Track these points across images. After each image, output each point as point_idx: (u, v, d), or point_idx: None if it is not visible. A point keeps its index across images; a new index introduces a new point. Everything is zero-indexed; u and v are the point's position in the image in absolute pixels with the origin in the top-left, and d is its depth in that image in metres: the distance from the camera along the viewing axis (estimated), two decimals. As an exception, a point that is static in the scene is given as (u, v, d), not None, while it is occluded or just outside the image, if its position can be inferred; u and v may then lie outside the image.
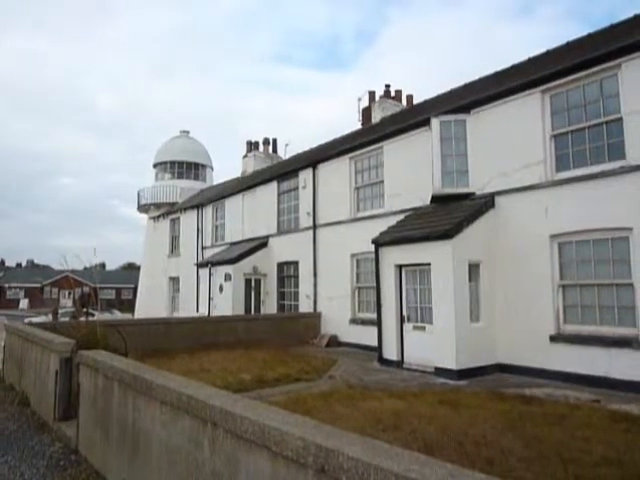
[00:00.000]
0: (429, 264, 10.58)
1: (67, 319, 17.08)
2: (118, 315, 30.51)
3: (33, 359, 7.69)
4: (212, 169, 33.70)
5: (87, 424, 5.30)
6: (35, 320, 21.39)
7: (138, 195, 30.65)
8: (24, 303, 62.95)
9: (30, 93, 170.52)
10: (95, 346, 6.66)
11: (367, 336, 13.36)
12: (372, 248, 12.12)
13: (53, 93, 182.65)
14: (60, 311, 27.16)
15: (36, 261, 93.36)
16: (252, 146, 26.36)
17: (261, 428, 2.63)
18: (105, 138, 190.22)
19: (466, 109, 11.82)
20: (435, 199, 12.10)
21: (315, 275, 16.29)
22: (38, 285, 65.77)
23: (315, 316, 15.94)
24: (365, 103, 19.97)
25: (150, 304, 27.67)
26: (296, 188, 17.89)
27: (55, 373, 6.19)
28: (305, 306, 16.65)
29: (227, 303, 17.87)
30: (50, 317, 23.96)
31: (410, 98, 19.80)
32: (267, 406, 3.11)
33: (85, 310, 14.00)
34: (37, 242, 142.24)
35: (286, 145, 29.72)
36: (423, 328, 10.84)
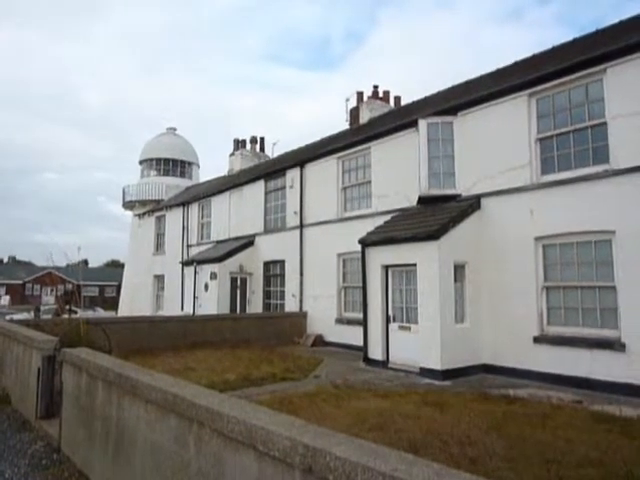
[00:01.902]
0: (415, 265, 10.62)
1: (49, 316, 16.85)
2: (101, 313, 30.22)
3: (14, 356, 7.56)
4: (198, 167, 33.50)
5: (70, 423, 5.23)
6: (16, 317, 21.08)
7: (123, 192, 30.36)
8: (5, 300, 61.86)
9: (14, 86, 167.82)
10: (78, 344, 6.56)
11: (353, 336, 13.38)
12: (359, 248, 12.15)
13: (39, 87, 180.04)
14: (42, 308, 26.79)
15: (18, 257, 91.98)
16: (239, 144, 26.23)
17: (248, 428, 2.62)
18: (92, 135, 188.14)
19: (453, 111, 11.89)
20: (422, 200, 12.15)
21: (301, 274, 16.27)
22: (20, 282, 64.82)
23: (301, 315, 15.93)
24: (353, 103, 19.95)
25: (134, 302, 27.41)
26: (283, 187, 17.85)
27: (37, 371, 6.10)
28: (291, 305, 16.63)
29: (212, 302, 17.77)
30: (32, 314, 23.61)
31: (398, 99, 19.86)
32: (254, 405, 3.10)
33: (68, 307, 13.82)
34: (20, 238, 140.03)
35: (274, 144, 29.64)
36: (408, 328, 10.88)
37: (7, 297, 62.46)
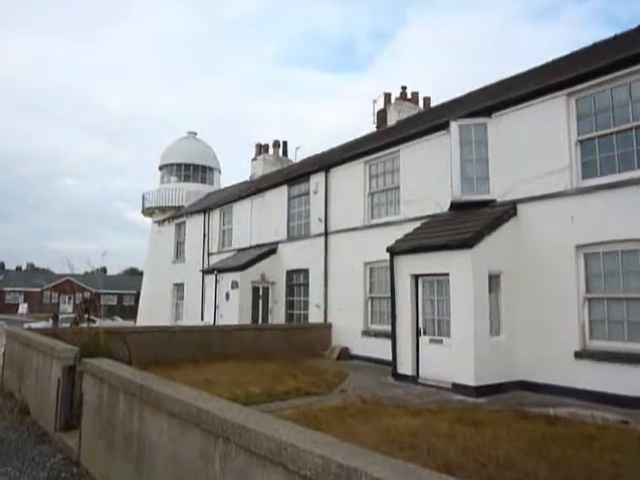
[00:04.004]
0: (447, 274, 10.51)
1: (67, 325, 17.19)
2: (120, 322, 30.70)
3: (34, 366, 7.72)
4: (220, 172, 33.88)
5: (90, 435, 5.29)
6: (34, 326, 21.57)
7: (143, 198, 30.89)
8: (23, 308, 63.44)
9: (34, 92, 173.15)
10: (97, 354, 6.68)
11: (380, 349, 13.28)
12: (387, 256, 12.08)
13: (58, 93, 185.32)
14: (60, 317, 27.35)
15: (36, 264, 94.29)
16: (261, 149, 26.49)
17: (277, 444, 2.60)
18: (112, 140, 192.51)
19: (487, 112, 11.77)
20: (454, 206, 12.04)
21: (326, 284, 16.26)
22: (38, 289, 66.36)
23: (325, 327, 15.89)
24: (380, 105, 20.02)
25: (153, 311, 27.78)
26: (307, 193, 17.91)
27: (57, 381, 6.21)
28: (315, 316, 16.61)
29: (233, 312, 17.88)
30: (50, 323, 24.14)
31: (427, 100, 19.82)
32: (282, 421, 3.08)
33: (87, 316, 14.08)
34: (37, 245, 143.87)
35: (297, 148, 29.86)
36: (440, 341, 10.76)
37: (25, 305, 64.05)
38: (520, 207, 10.92)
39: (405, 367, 11.27)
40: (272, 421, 3.01)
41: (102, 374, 5.01)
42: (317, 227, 16.97)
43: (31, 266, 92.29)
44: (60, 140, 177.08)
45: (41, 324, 25.12)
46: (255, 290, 18.35)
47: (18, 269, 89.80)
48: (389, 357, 11.85)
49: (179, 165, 31.71)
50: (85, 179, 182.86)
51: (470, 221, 11.09)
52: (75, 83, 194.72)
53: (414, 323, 11.29)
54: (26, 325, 23.54)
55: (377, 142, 15.60)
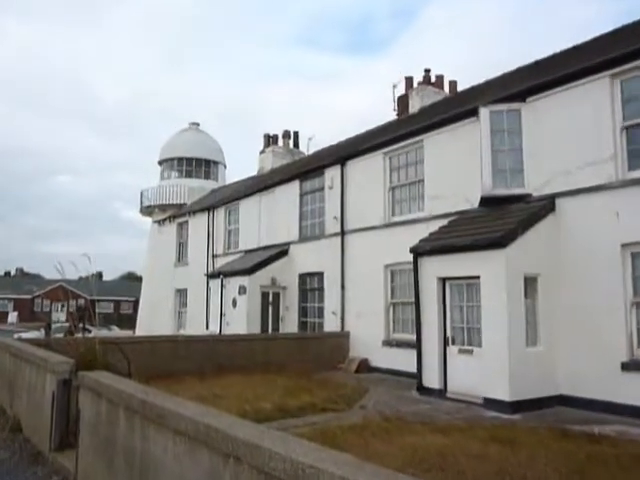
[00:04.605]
0: (478, 277, 10.47)
1: (61, 335, 17.40)
2: (117, 332, 30.98)
3: (26, 380, 7.83)
4: (225, 167, 34.07)
5: (88, 455, 5.36)
6: (25, 336, 21.88)
7: (141, 196, 31.18)
8: (13, 316, 64.37)
9: (21, 81, 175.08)
10: (95, 366, 6.75)
11: (404, 360, 13.24)
12: (410, 258, 12.05)
13: (48, 82, 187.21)
14: (53, 326, 27.70)
15: (26, 269, 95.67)
16: (270, 140, 26.60)
17: (294, 465, 2.61)
18: (108, 133, 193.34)
19: (521, 97, 11.70)
20: (484, 201, 11.98)
21: (343, 288, 16.26)
22: (28, 296, 67.28)
23: (342, 336, 15.90)
24: (401, 90, 19.98)
25: (153, 320, 28.02)
26: (321, 188, 17.93)
27: (52, 396, 6.30)
28: (331, 324, 16.63)
29: (241, 320, 17.96)
30: (42, 332, 24.46)
31: (453, 85, 19.73)
32: (299, 440, 3.10)
33: (82, 325, 14.23)
34: (28, 248, 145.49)
35: (309, 139, 29.78)
36: (470, 352, 10.72)
37: (15, 314, 65.00)
38: (559, 202, 10.82)
39: (431, 380, 11.23)
40: (288, 439, 3.03)
41: (100, 388, 5.07)
42: (332, 226, 16.98)
43: (21, 271, 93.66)
44: (51, 133, 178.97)
45: (32, 334, 25.50)
46: (264, 296, 18.42)
47: (7, 274, 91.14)
48: (413, 369, 11.83)
49: (180, 159, 31.93)
50: (79, 176, 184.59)
51: (503, 218, 11.04)
52: (66, 71, 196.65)
53: (441, 332, 11.25)
54: (16, 335, 23.86)
55: (398, 131, 15.57)
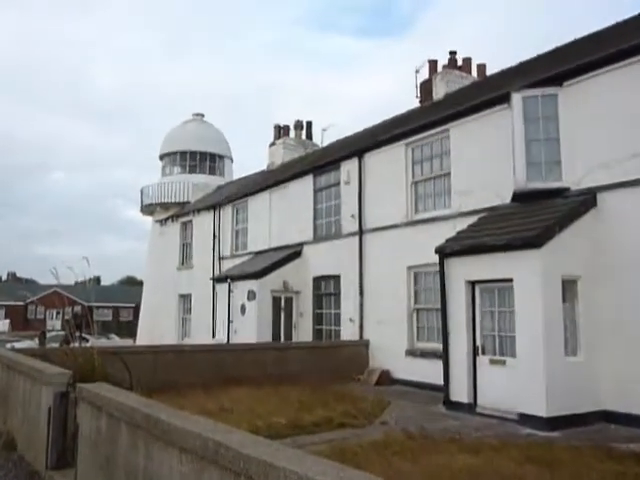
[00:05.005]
0: (511, 280, 10.40)
1: (56, 345, 17.59)
2: (116, 341, 31.22)
3: (21, 393, 7.93)
4: (232, 161, 34.25)
5: (87, 475, 5.41)
6: (19, 346, 22.15)
7: (141, 193, 31.46)
8: (4, 324, 65.06)
9: (14, 71, 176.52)
10: (93, 378, 6.81)
11: (429, 372, 13.20)
12: (435, 259, 12.01)
13: (39, 69, 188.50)
14: (47, 335, 27.99)
15: (19, 273, 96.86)
16: (281, 132, 26.66)
17: (312, 486, 2.61)
18: (105, 126, 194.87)
19: (558, 81, 11.61)
20: (518, 197, 11.92)
21: (361, 293, 16.25)
22: (22, 303, 68.03)
23: (361, 345, 15.88)
24: (424, 75, 19.89)
25: (155, 328, 28.22)
26: (337, 183, 17.93)
27: (48, 410, 6.37)
28: (349, 332, 16.62)
29: (251, 327, 18.02)
30: (37, 342, 24.74)
31: (482, 68, 19.62)
32: (316, 458, 3.10)
33: (79, 334, 14.38)
34: (20, 251, 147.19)
35: (324, 130, 29.59)
36: (503, 362, 10.65)
37: (7, 321, 65.71)
38: (601, 196, 10.73)
39: (460, 394, 11.17)
40: (304, 458, 3.03)
41: (100, 401, 5.11)
42: (349, 225, 16.98)
43: (13, 275, 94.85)
44: (44, 126, 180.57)
45: (26, 343, 25.76)
46: (276, 301, 18.46)
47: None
48: (440, 381, 11.78)
49: (183, 153, 32.15)
50: (74, 172, 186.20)
51: (538, 214, 10.96)
52: (59, 57, 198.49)
53: (470, 340, 11.20)
54: (8, 345, 24.17)
55: (421, 120, 15.54)
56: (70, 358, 8.02)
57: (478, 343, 11.15)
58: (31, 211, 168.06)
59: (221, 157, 33.05)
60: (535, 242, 9.98)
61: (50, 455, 6.35)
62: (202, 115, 34.16)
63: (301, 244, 19.08)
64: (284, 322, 18.59)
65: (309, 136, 27.10)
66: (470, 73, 19.27)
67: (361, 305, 16.25)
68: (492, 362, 10.88)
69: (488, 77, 18.73)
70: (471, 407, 10.94)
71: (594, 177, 10.84)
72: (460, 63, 19.26)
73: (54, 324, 60.25)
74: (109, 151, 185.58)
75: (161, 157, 33.23)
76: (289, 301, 18.78)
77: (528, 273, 10.11)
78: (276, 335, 18.22)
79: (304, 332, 18.47)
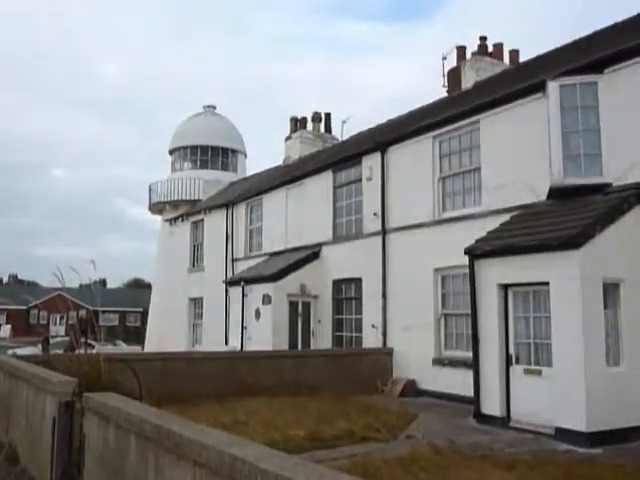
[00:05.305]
0: (547, 283, 10.34)
1: (60, 351, 17.80)
2: (123, 347, 31.54)
3: (24, 402, 8.03)
4: (245, 156, 34.38)
5: (94, 489, 5.46)
6: (21, 352, 22.40)
7: (150, 191, 31.69)
8: (5, 330, 65.97)
9: (12, 61, 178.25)
10: (100, 387, 6.87)
11: (458, 382, 13.14)
12: (465, 261, 11.96)
13: (42, 60, 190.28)
14: (51, 340, 28.34)
15: (20, 276, 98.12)
16: (298, 124, 26.67)
17: (335, 503, 2.61)
18: (110, 119, 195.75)
19: (597, 67, 11.53)
20: (554, 193, 11.84)
21: (384, 297, 16.22)
22: (24, 307, 68.89)
23: (384, 353, 15.85)
24: (452, 63, 19.81)
25: (164, 333, 28.40)
26: (358, 180, 17.92)
27: (52, 421, 6.43)
28: (371, 339, 16.60)
29: (266, 334, 18.07)
30: (39, 348, 25.05)
31: (515, 54, 19.52)
32: (337, 473, 3.10)
33: (84, 340, 14.54)
34: (21, 252, 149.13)
35: (344, 122, 29.58)
36: (538, 372, 10.59)
37: (8, 327, 66.62)
38: (646, 193, 10.61)
39: (491, 406, 11.11)
40: (325, 473, 3.03)
41: (108, 412, 5.16)
42: (372, 224, 16.95)
43: (14, 278, 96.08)
44: (45, 119, 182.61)
45: (29, 350, 26.09)
46: (293, 306, 18.50)
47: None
48: (470, 393, 11.73)
49: (194, 148, 32.34)
50: (77, 169, 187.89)
51: (577, 213, 10.90)
52: (60, 45, 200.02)
53: (503, 348, 11.14)
54: (10, 351, 24.47)
55: (450, 110, 15.50)
56: (75, 365, 8.10)
57: (511, 351, 11.08)
58: (32, 210, 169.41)
59: (234, 152, 33.18)
60: (573, 242, 9.89)
61: (55, 469, 6.41)
62: (214, 107, 34.32)
63: (320, 245, 19.08)
64: (301, 328, 18.61)
65: (328, 129, 27.10)
66: (502, 60, 19.16)
67: (384, 310, 16.21)
68: (527, 372, 10.82)
69: (521, 64, 18.60)
70: (504, 421, 10.88)
71: (639, 172, 10.73)
72: (491, 49, 19.15)
73: (57, 329, 61.04)
74: (114, 147, 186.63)
75: (170, 152, 33.46)
76: (307, 306, 18.80)
77: (566, 276, 10.03)
78: (293, 342, 18.25)
79: (323, 339, 18.48)
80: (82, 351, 10.97)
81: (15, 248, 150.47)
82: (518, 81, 14.10)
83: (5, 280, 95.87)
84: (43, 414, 6.98)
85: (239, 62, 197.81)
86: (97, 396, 5.70)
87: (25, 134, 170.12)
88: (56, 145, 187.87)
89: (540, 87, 12.30)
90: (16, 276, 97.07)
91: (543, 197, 12.13)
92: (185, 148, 32.60)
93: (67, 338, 24.75)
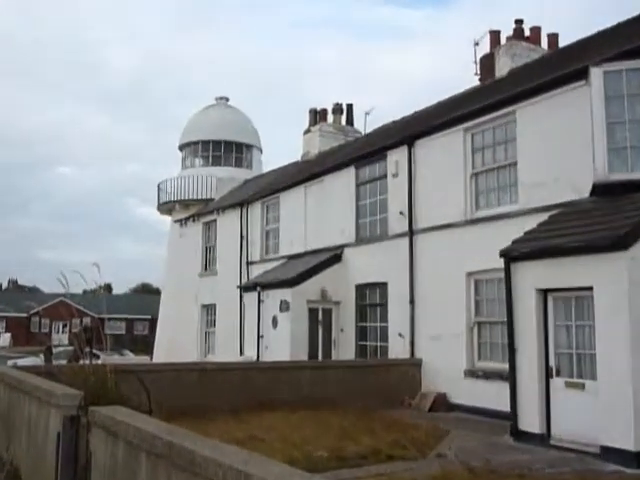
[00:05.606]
0: (590, 288, 10.25)
1: (64, 362, 17.96)
2: (131, 357, 31.79)
3: (26, 416, 8.10)
4: (261, 151, 34.48)
5: (101, 510, 5.48)
6: (22, 363, 22.70)
7: (158, 189, 31.90)
8: (5, 338, 66.75)
9: (14, 51, 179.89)
10: (107, 400, 6.90)
11: (493, 396, 13.09)
12: (500, 264, 11.89)
13: (45, 50, 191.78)
14: (54, 350, 28.63)
15: (20, 281, 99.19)
16: (318, 116, 26.71)
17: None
18: (118, 113, 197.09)
19: (646, 51, 11.41)
20: (598, 189, 11.75)
21: (412, 303, 16.18)
22: (24, 314, 69.62)
23: (412, 364, 15.82)
24: (485, 49, 19.75)
25: (175, 343, 28.55)
26: (383, 176, 17.90)
27: (57, 436, 6.46)
28: (397, 349, 16.57)
29: (284, 343, 18.11)
30: (42, 358, 25.34)
31: (554, 39, 19.42)
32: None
33: (89, 349, 14.67)
34: (22, 255, 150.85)
35: (367, 113, 29.57)
36: (581, 386, 10.50)
37: (7, 335, 67.41)
38: (700, 189, 10.49)
39: (530, 422, 11.04)
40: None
41: (117, 427, 5.17)
42: (398, 224, 16.93)
43: (14, 283, 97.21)
44: (49, 113, 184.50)
45: (30, 360, 26.41)
46: (313, 313, 18.51)
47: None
48: (506, 407, 11.67)
49: (206, 143, 32.46)
50: (82, 166, 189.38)
51: (623, 211, 10.81)
52: (59, 30, 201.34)
53: (542, 359, 11.06)
54: (10, 362, 24.84)
55: (482, 100, 15.45)
56: (80, 377, 8.15)
57: (551, 363, 11.00)
58: (34, 211, 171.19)
59: (249, 147, 33.27)
60: (621, 243, 9.79)
61: (59, 488, 6.45)
62: (227, 99, 34.47)
63: (341, 247, 19.08)
64: (322, 337, 18.63)
65: (350, 121, 27.11)
66: (539, 45, 19.08)
67: (412, 318, 16.16)
68: (568, 385, 10.72)
69: (561, 49, 18.49)
70: (543, 438, 10.80)
71: (691, 166, 10.62)
72: (527, 33, 19.05)
73: (60, 338, 61.53)
74: (120, 141, 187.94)
75: (181, 148, 33.64)
76: (328, 313, 18.81)
77: (612, 280, 9.94)
78: (313, 352, 18.28)
79: (345, 349, 18.47)
80: (87, 361, 11.07)
81: (15, 251, 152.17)
82: (558, 68, 14.04)
83: (4, 285, 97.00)
84: (47, 429, 7.03)
85: (255, 51, 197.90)
86: (104, 410, 5.72)
87: (24, 128, 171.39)
88: (59, 141, 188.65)
89: (582, 74, 12.22)
90: (16, 281, 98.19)
91: (586, 194, 12.04)
92: (196, 143, 32.73)
93: (70, 347, 25.00)
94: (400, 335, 16.50)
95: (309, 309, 18.45)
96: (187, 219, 29.60)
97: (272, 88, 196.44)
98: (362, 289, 18.35)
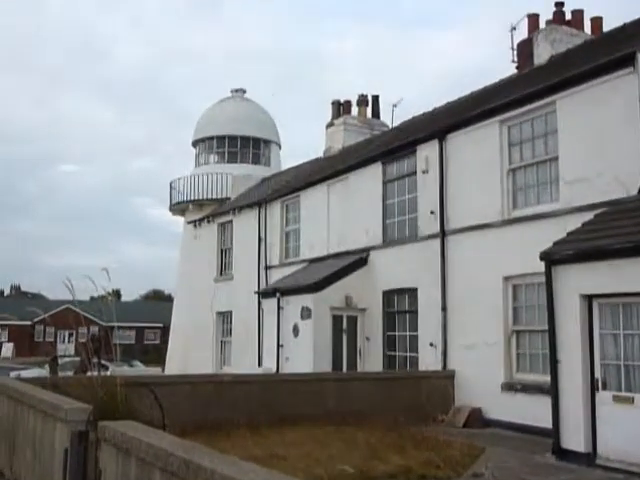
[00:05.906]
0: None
1: (70, 373, 18.13)
2: (141, 368, 31.94)
3: (30, 432, 8.16)
4: (280, 147, 34.56)
5: (112, 533, 5.51)
6: (25, 374, 22.91)
7: (170, 188, 32.10)
8: (8, 348, 67.37)
9: (16, 40, 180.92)
10: (118, 415, 6.94)
11: (533, 411, 13.05)
12: (540, 267, 11.81)
13: (39, 35, 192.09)
14: (60, 361, 28.87)
15: (24, 287, 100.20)
16: (341, 109, 26.75)
17: None
18: (126, 106, 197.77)
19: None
20: (648, 186, 11.62)
21: (444, 310, 16.15)
22: (28, 322, 70.23)
23: (444, 377, 15.79)
24: (523, 34, 19.65)
25: (188, 353, 28.72)
26: (413, 173, 17.88)
27: (64, 453, 6.51)
28: (429, 360, 16.53)
29: (305, 353, 18.12)
30: (47, 369, 25.54)
31: (597, 23, 19.26)
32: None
33: (97, 360, 14.79)
34: (25, 260, 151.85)
35: (394, 105, 29.54)
36: (630, 400, 10.40)
37: (10, 345, 68.00)
38: None
39: (574, 440, 10.96)
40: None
41: (128, 443, 5.19)
42: (428, 224, 16.90)
43: (17, 290, 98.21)
44: (53, 107, 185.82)
45: (35, 371, 26.65)
46: (336, 320, 18.51)
47: (0, 294, 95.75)
48: (547, 424, 11.61)
49: (221, 138, 32.62)
50: (88, 164, 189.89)
51: (676, 209, 10.66)
52: (68, 19, 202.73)
53: (587, 371, 10.98)
54: (14, 373, 25.03)
55: (520, 90, 15.39)
56: (88, 390, 8.22)
57: (597, 375, 10.90)
58: (37, 213, 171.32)
59: (267, 142, 33.37)
60: (673, 244, 9.71)
61: (67, 508, 6.50)
62: (243, 91, 34.56)
63: (367, 249, 19.08)
64: (347, 347, 18.63)
65: (376, 114, 27.13)
66: (582, 30, 18.92)
67: (444, 326, 16.12)
68: (616, 400, 10.62)
69: (605, 34, 18.34)
70: (589, 457, 10.71)
71: None
72: (569, 17, 18.91)
73: (66, 347, 62.10)
74: (129, 137, 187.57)
75: (194, 144, 33.82)
76: (353, 321, 18.80)
77: (664, 285, 9.84)
78: (337, 363, 18.27)
79: (372, 359, 18.45)
80: (95, 373, 11.16)
81: (17, 256, 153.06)
82: (602, 54, 13.93)
83: (6, 292, 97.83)
84: (53, 445, 7.08)
85: (274, 39, 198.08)
86: (114, 425, 5.74)
87: (26, 124, 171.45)
88: (64, 137, 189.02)
89: (629, 60, 12.15)
90: (19, 287, 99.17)
91: (634, 191, 11.94)
92: (211, 139, 32.90)
93: (77, 358, 25.21)
94: (431, 345, 16.46)
95: (332, 316, 18.45)
96: (201, 220, 29.73)
97: (292, 78, 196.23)
98: (390, 295, 18.33)
